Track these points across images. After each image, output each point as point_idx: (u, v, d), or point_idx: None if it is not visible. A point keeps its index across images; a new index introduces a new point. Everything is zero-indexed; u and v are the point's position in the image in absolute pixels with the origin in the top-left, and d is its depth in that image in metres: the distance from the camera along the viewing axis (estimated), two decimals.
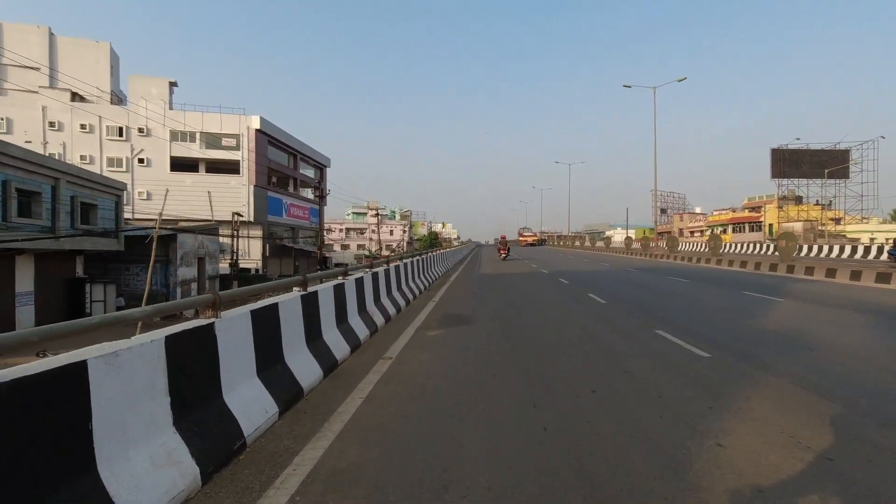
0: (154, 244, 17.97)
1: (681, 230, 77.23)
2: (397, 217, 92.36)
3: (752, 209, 64.02)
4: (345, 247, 79.99)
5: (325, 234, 64.49)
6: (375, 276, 8.41)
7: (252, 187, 39.08)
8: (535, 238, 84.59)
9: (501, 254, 35.06)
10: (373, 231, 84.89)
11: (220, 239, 38.14)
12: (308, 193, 54.11)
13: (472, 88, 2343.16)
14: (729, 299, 11.53)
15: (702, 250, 42.41)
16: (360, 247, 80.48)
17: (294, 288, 5.19)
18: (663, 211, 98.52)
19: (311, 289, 5.29)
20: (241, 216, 33.96)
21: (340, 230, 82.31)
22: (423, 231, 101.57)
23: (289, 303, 4.54)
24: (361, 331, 6.72)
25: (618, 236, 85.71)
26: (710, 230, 66.45)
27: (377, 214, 53.06)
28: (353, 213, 78.87)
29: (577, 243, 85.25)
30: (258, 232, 40.42)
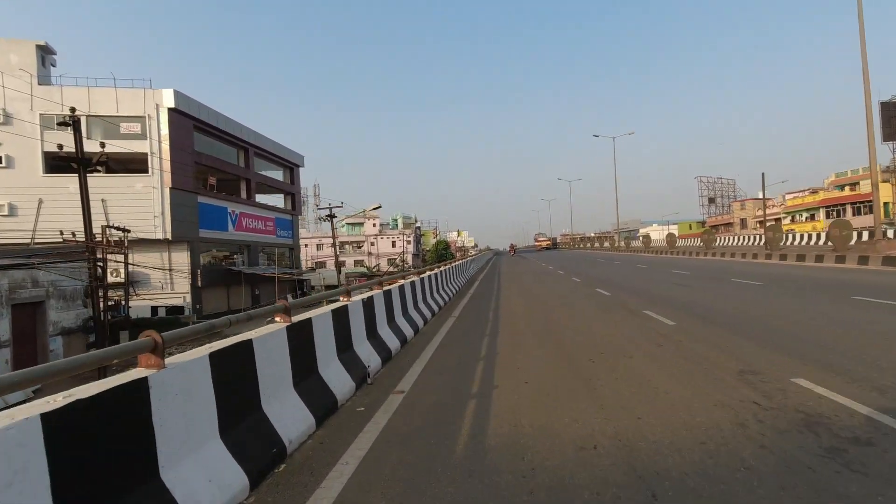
0: None
1: (743, 221, 63.22)
2: (399, 225, 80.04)
3: (846, 186, 49.91)
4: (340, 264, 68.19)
5: (302, 249, 52.80)
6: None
7: (168, 190, 27.44)
8: (549, 242, 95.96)
9: (511, 253, 61.59)
10: (371, 244, 73.05)
11: (137, 267, 26.66)
12: (273, 200, 42.46)
13: (488, 72, 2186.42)
14: None
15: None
16: (357, 263, 68.68)
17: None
18: (711, 200, 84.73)
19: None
20: (129, 231, 22.20)
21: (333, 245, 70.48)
22: (434, 241, 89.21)
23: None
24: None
25: (654, 234, 72.07)
26: (789, 217, 52.51)
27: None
28: (347, 223, 67.10)
29: (597, 244, 77.92)
30: (183, 253, 28.74)
